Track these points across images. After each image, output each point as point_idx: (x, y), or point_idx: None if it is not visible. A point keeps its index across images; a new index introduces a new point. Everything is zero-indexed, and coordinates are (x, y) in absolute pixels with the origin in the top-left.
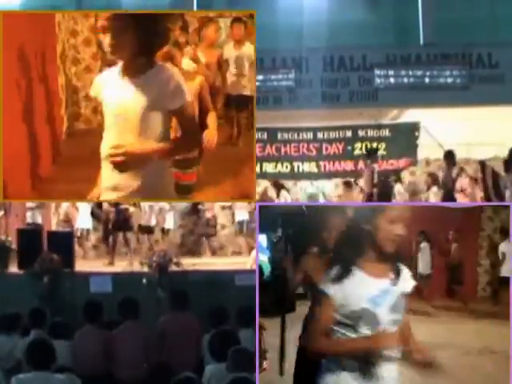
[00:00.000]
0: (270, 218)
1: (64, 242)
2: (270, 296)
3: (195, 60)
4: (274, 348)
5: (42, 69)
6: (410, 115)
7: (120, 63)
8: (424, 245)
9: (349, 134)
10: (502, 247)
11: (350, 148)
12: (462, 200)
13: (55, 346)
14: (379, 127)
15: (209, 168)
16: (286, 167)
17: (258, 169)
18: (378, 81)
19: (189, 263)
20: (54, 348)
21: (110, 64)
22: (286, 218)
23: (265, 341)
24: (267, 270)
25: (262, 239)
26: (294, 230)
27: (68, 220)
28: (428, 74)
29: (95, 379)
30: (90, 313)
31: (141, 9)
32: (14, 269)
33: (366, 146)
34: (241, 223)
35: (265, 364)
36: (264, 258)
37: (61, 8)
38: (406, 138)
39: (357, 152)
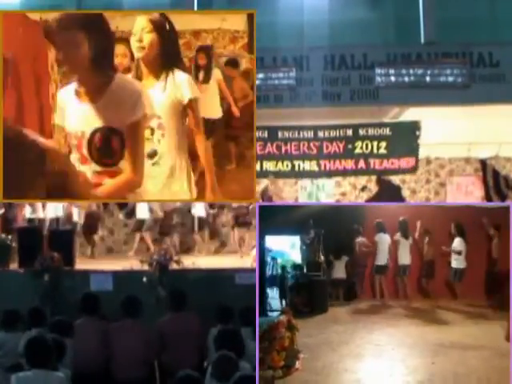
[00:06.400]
0: (301, 219)
1: (64, 240)
2: (303, 297)
3: None
4: (308, 348)
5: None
6: (410, 114)
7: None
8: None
9: (349, 132)
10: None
11: (350, 147)
12: None
13: (56, 343)
14: (380, 126)
15: None
16: (287, 166)
17: (258, 167)
18: (378, 79)
19: (189, 261)
20: (53, 346)
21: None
22: (317, 218)
23: (297, 341)
24: (301, 271)
25: (295, 241)
26: (325, 231)
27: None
28: (429, 72)
29: (94, 378)
30: (89, 305)
31: (142, 8)
32: (14, 267)
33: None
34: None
35: (297, 364)
36: (298, 259)
37: (61, 7)
38: (406, 137)
39: (357, 151)
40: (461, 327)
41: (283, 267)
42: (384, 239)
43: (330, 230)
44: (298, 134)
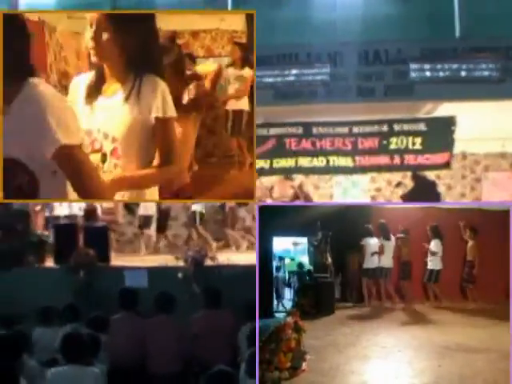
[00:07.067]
0: (308, 220)
1: (100, 236)
2: (310, 298)
3: None
4: (314, 349)
5: None
6: (445, 109)
7: None
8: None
9: (384, 128)
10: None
11: (385, 142)
12: None
13: (91, 338)
14: (415, 121)
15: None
16: (322, 161)
17: (293, 163)
18: (413, 74)
19: (224, 257)
20: (88, 341)
21: None
22: (325, 220)
23: (304, 343)
24: (308, 272)
25: (303, 242)
26: (333, 232)
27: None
28: (464, 67)
29: (130, 373)
30: (126, 300)
31: (175, 7)
32: (50, 263)
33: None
34: None
35: (304, 365)
36: (305, 260)
37: (96, 6)
38: (442, 133)
39: (392, 146)
40: (467, 330)
41: (278, 268)
42: (371, 243)
43: (337, 232)
44: (333, 129)
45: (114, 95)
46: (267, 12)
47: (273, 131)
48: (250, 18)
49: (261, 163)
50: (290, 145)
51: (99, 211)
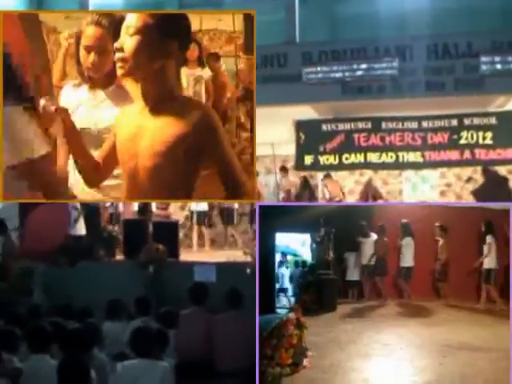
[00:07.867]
0: (311, 217)
1: (169, 231)
2: (312, 295)
3: None
4: (316, 346)
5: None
6: None
7: None
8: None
9: (454, 122)
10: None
11: (455, 137)
12: None
13: (160, 333)
14: (486, 115)
15: None
16: (391, 157)
17: (362, 159)
18: (483, 68)
19: None
20: (157, 336)
21: None
22: (327, 217)
23: (306, 339)
24: (310, 268)
25: (306, 238)
26: (336, 229)
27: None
28: None
29: (197, 368)
30: (196, 295)
31: (241, 6)
32: (120, 258)
33: None
34: None
35: (305, 362)
36: (308, 256)
37: (163, 6)
38: None
39: (462, 141)
40: (469, 328)
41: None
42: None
43: (340, 229)
44: (402, 124)
45: None
46: (335, 6)
47: (341, 126)
48: (248, 19)
49: (330, 159)
50: (359, 140)
51: (154, 207)
